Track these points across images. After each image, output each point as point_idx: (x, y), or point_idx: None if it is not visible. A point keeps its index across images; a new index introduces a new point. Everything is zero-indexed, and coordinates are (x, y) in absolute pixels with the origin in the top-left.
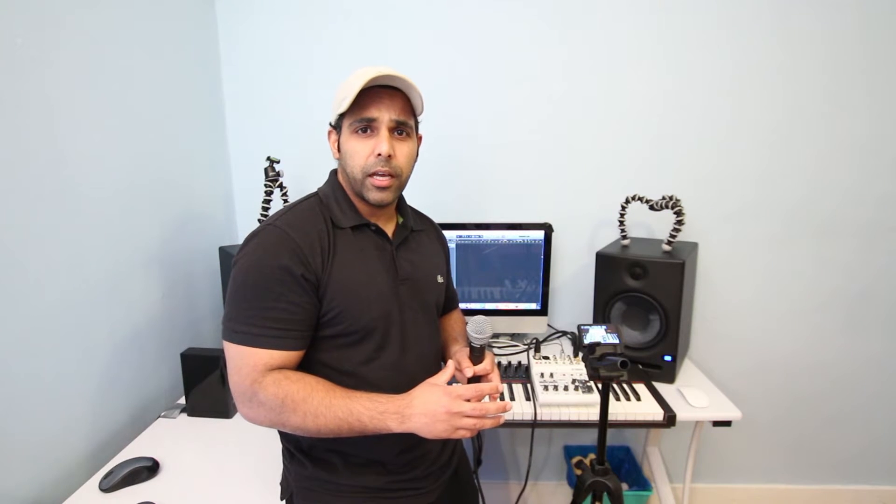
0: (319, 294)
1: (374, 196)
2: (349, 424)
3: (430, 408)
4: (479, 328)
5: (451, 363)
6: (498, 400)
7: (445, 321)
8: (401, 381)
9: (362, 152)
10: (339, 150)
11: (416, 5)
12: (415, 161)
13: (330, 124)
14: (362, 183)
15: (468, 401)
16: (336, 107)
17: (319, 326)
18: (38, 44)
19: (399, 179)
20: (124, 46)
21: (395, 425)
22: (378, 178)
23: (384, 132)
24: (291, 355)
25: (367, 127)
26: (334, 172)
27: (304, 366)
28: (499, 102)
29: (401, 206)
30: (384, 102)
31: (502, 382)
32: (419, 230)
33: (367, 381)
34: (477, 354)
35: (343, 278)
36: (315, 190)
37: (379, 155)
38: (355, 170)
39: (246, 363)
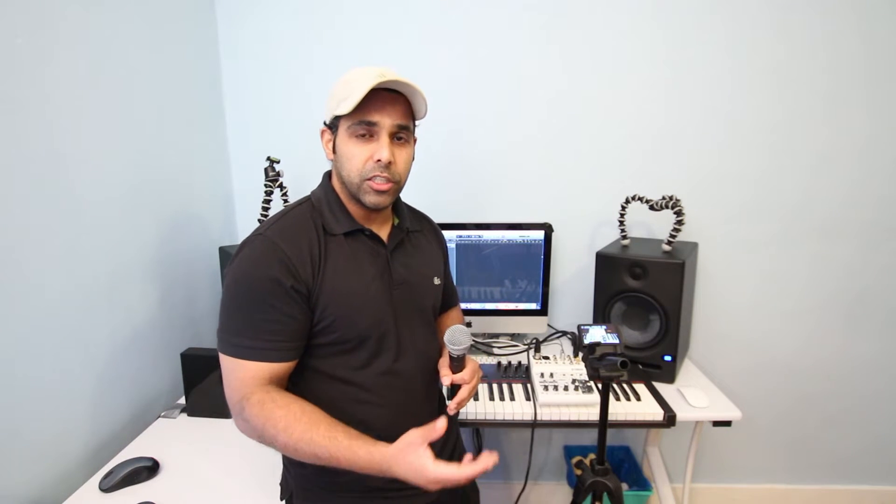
0: (311, 304)
1: (371, 200)
2: (328, 462)
3: (414, 479)
4: (454, 339)
5: (440, 425)
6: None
7: (444, 320)
8: (396, 385)
9: (360, 156)
10: (333, 150)
11: (417, 6)
12: (411, 164)
13: (324, 123)
14: (359, 186)
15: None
16: (334, 106)
17: (313, 335)
18: (38, 44)
19: (398, 185)
20: (124, 46)
21: (375, 475)
22: (377, 181)
23: (385, 138)
24: (282, 367)
25: (367, 131)
26: (328, 175)
27: (296, 372)
28: (499, 103)
29: (396, 206)
30: (386, 107)
31: (503, 382)
32: (416, 231)
33: (362, 386)
34: (456, 363)
35: (336, 287)
36: (308, 194)
37: (378, 161)
38: (352, 174)
39: (236, 376)
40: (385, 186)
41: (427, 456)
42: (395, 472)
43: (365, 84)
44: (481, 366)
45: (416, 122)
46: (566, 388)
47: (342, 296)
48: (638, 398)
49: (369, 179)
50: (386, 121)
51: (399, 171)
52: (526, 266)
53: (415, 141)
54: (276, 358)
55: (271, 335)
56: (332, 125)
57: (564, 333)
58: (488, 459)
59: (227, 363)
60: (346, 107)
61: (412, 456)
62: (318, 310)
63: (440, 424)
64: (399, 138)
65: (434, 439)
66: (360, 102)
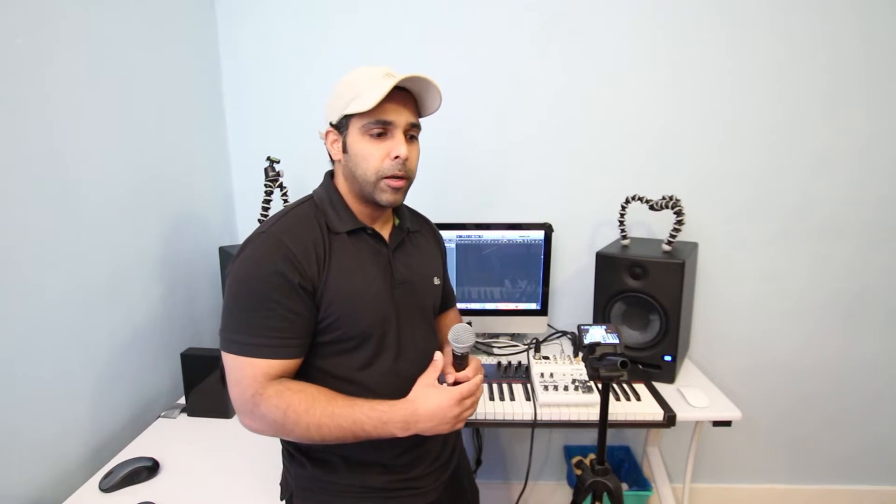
0: (316, 301)
1: (387, 198)
2: (353, 433)
3: (438, 414)
4: (458, 337)
5: (438, 357)
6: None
7: (442, 321)
8: (398, 384)
9: (377, 155)
10: (343, 150)
11: (418, 6)
12: None
13: (330, 124)
14: (375, 185)
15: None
16: (342, 106)
17: (316, 333)
18: (38, 44)
19: (410, 182)
20: (124, 46)
21: (400, 433)
22: (394, 179)
23: (400, 136)
24: (290, 363)
25: (383, 130)
26: (329, 175)
27: (300, 371)
28: (499, 103)
29: (397, 206)
30: (400, 105)
31: (503, 382)
32: (416, 231)
33: (364, 385)
34: (459, 361)
35: (339, 285)
36: (310, 193)
37: (396, 158)
38: (368, 172)
39: (245, 374)
40: (401, 184)
41: (445, 387)
42: (420, 414)
43: (384, 83)
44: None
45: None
46: (566, 388)
47: (346, 294)
48: (638, 398)
49: (386, 178)
50: (401, 119)
51: (412, 167)
52: (526, 266)
53: None
54: (285, 355)
55: (278, 332)
56: (339, 125)
57: (564, 333)
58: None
59: (234, 362)
60: (364, 105)
61: (432, 392)
62: (322, 307)
63: (437, 357)
64: (411, 136)
65: (438, 374)
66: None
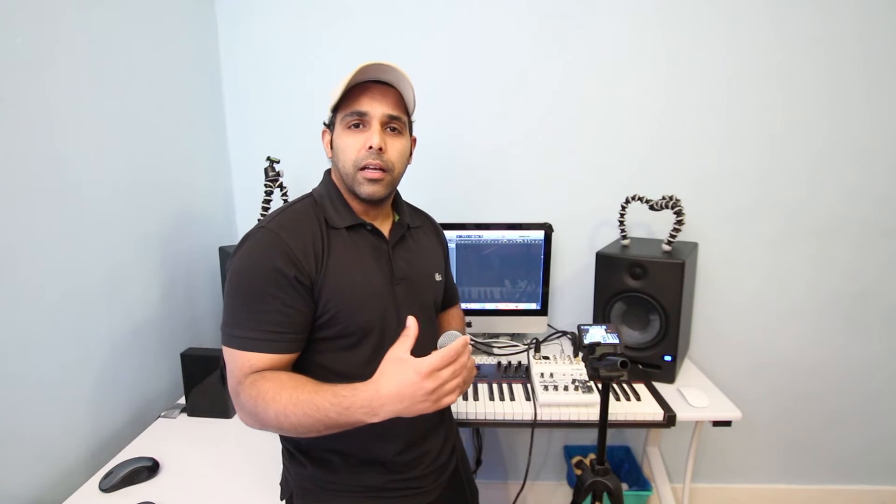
0: (314, 296)
1: (365, 189)
2: (321, 422)
3: (405, 393)
4: (446, 344)
5: (411, 322)
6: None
7: (444, 317)
8: None
9: (354, 146)
10: (331, 148)
11: (417, 7)
12: (408, 160)
13: (324, 124)
14: (353, 177)
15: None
16: (330, 104)
17: (315, 328)
18: (38, 43)
19: (391, 174)
20: (124, 46)
21: (368, 418)
22: (369, 170)
23: (376, 126)
24: (282, 358)
25: (360, 122)
26: (328, 172)
27: (301, 368)
28: (499, 102)
29: (397, 203)
30: (376, 97)
31: (503, 382)
32: (416, 227)
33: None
34: None
35: (338, 280)
36: (310, 191)
37: (370, 148)
38: (347, 164)
39: (237, 366)
40: (377, 175)
41: (413, 360)
42: (384, 396)
43: (353, 72)
44: (482, 366)
45: (412, 119)
46: (566, 388)
47: (344, 289)
48: (638, 398)
49: (362, 169)
50: (377, 110)
51: (392, 159)
52: (526, 266)
53: (414, 142)
54: (278, 349)
55: (273, 326)
56: (330, 123)
57: (564, 333)
58: (464, 338)
59: (229, 355)
60: (335, 96)
61: (394, 369)
62: (320, 303)
63: (410, 323)
64: (392, 129)
65: (411, 344)
66: (353, 95)
